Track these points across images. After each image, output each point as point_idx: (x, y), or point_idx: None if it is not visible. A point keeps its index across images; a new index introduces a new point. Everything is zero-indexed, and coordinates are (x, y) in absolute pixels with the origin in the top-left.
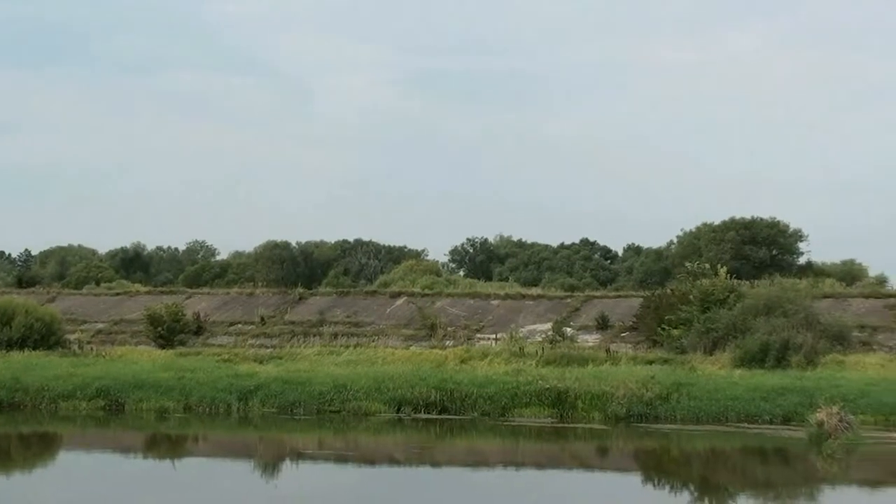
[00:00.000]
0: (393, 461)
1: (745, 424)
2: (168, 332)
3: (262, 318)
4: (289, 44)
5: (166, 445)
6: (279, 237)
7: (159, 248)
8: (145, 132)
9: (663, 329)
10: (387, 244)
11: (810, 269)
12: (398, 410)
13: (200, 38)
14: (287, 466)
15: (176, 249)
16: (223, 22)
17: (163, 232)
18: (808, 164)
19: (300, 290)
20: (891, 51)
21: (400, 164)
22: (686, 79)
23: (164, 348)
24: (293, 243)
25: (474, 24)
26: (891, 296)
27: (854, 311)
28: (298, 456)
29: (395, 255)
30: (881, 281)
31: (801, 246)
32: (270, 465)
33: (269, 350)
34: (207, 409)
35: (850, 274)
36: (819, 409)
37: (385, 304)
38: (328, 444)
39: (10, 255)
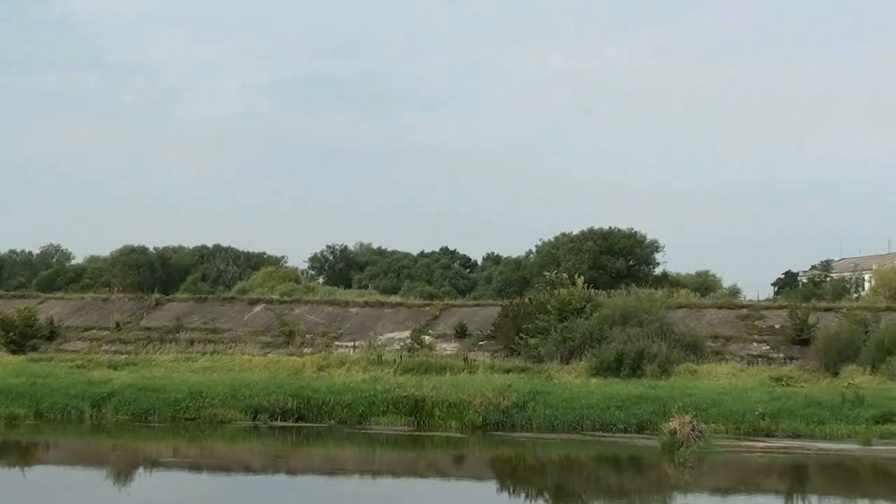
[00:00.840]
0: (249, 469)
1: (600, 433)
2: (20, 337)
3: (118, 324)
4: (157, 45)
5: (15, 453)
6: (137, 242)
7: (12, 252)
8: (3, 132)
9: (521, 338)
10: (246, 250)
11: (666, 280)
12: (255, 418)
13: (66, 37)
14: (140, 475)
15: (30, 253)
16: (90, 21)
17: (16, 235)
18: (666, 176)
19: (157, 295)
20: (757, 65)
21: (262, 168)
22: (550, 88)
23: (15, 354)
24: (151, 248)
25: (343, 29)
26: (743, 306)
27: (708, 321)
28: (152, 464)
29: (254, 262)
30: (734, 292)
31: (658, 257)
32: (123, 474)
33: (123, 356)
34: (59, 416)
35: (704, 285)
36: (672, 418)
37: (243, 311)
38: (183, 452)
39: None
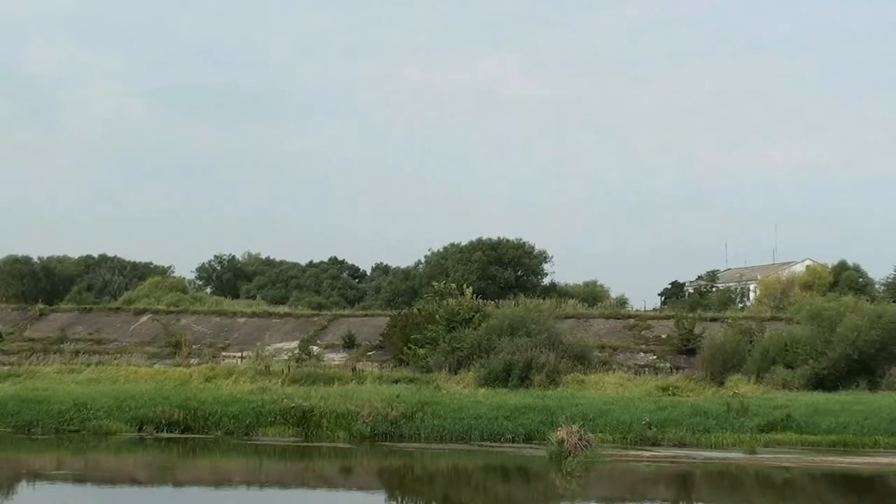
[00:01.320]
0: (135, 482)
1: (489, 443)
2: None
3: (0, 335)
4: (34, 52)
5: None
6: (20, 251)
7: None
8: None
9: (409, 348)
10: (132, 260)
11: (554, 290)
12: (140, 429)
13: None
14: (23, 489)
15: None
16: None
17: None
18: (553, 186)
19: (41, 306)
20: (637, 78)
21: (146, 178)
22: (435, 101)
23: None
24: (35, 258)
25: (226, 38)
26: (630, 317)
27: (595, 331)
28: (35, 477)
29: (141, 272)
30: (622, 302)
31: (546, 267)
32: (5, 488)
33: (6, 367)
34: None
35: (592, 295)
36: (560, 428)
37: (129, 321)
38: (67, 464)
39: None
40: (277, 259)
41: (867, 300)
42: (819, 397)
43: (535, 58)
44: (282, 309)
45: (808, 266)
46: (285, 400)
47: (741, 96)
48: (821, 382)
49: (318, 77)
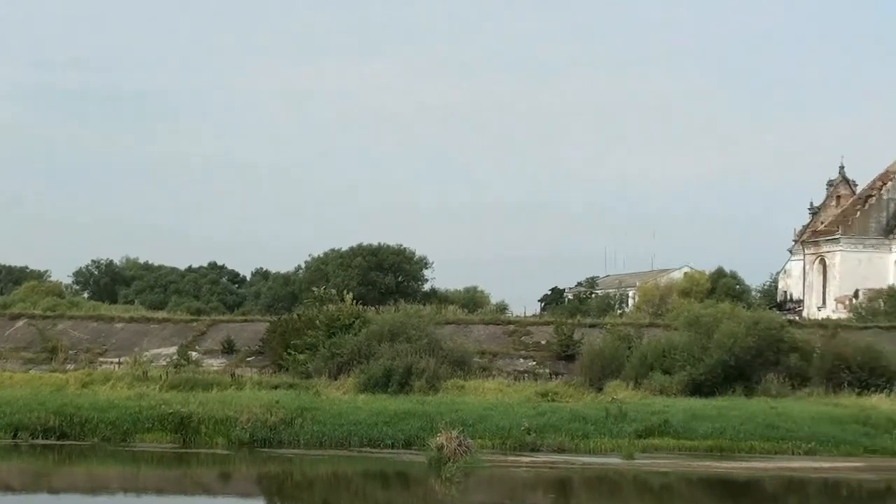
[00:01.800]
0: (9, 489)
1: (368, 449)
2: None
3: None
4: None
5: None
6: None
7: None
8: None
9: (289, 354)
10: (7, 264)
11: (434, 296)
12: (15, 436)
13: None
14: None
15: None
16: None
17: None
18: (435, 192)
19: None
20: (511, 86)
21: (21, 182)
22: (319, 106)
23: None
24: None
25: (105, 40)
26: (510, 322)
27: (475, 337)
28: None
29: (16, 276)
30: (502, 308)
31: (427, 273)
32: None
33: None
34: None
35: (472, 301)
36: (439, 434)
37: (4, 327)
38: None
39: None
40: (156, 264)
41: (744, 307)
42: (696, 403)
43: (421, 64)
44: (160, 314)
45: (686, 273)
46: (163, 406)
47: (623, 105)
48: (698, 388)
49: (200, 80)
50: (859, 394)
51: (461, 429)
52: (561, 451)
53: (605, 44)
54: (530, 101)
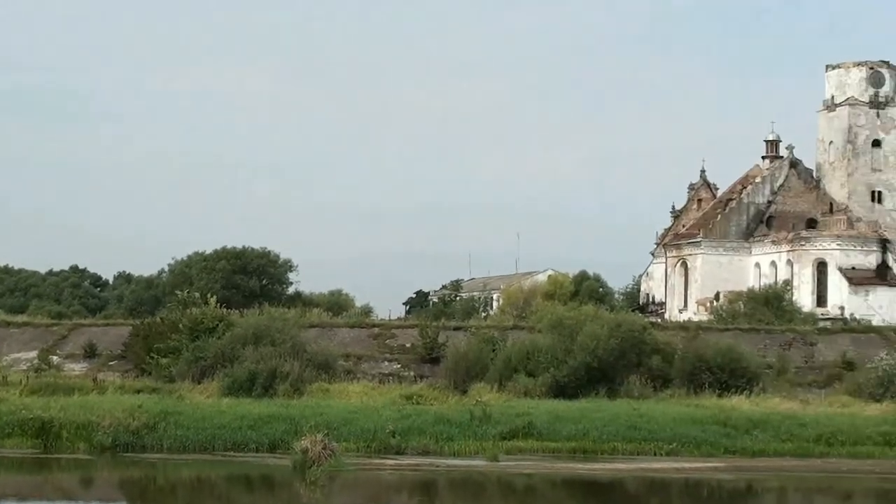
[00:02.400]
0: None
1: (232, 453)
2: None
3: None
4: None
5: None
6: None
7: None
8: None
9: (152, 358)
10: None
11: (299, 299)
12: None
13: None
14: None
15: None
16: None
17: None
18: (300, 194)
19: None
20: (371, 88)
21: None
22: (184, 107)
23: None
24: None
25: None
26: (375, 325)
27: (340, 340)
28: None
29: None
30: (366, 311)
31: (291, 276)
32: None
33: None
34: None
35: (337, 304)
36: (304, 437)
37: None
38: None
39: None
40: (16, 267)
41: (607, 309)
42: (560, 405)
43: (281, 67)
44: (20, 318)
45: (549, 275)
46: (23, 411)
47: (482, 108)
48: (562, 390)
49: (76, 77)
50: (720, 395)
51: (326, 432)
52: (426, 453)
53: (461, 48)
54: (395, 105)
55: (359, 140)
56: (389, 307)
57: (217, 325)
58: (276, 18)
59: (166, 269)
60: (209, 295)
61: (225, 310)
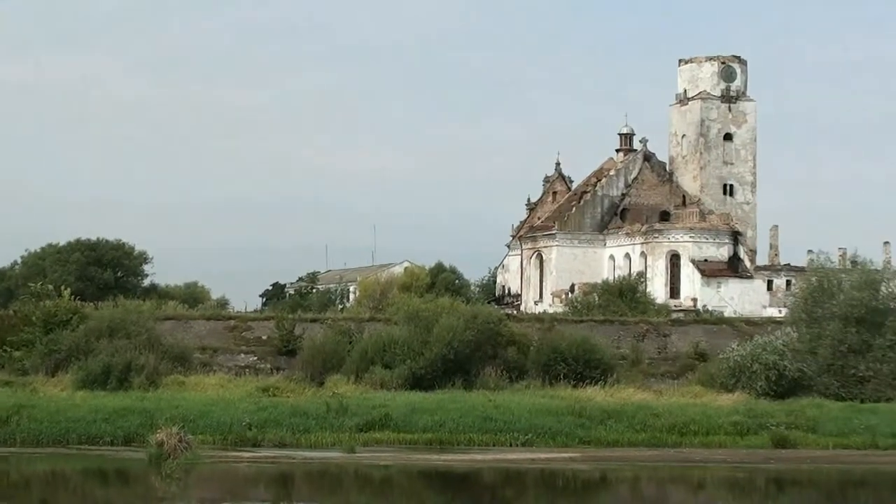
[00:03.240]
0: None
1: (87, 446)
2: None
3: None
4: None
5: None
6: None
7: None
8: None
9: (5, 351)
10: None
11: (155, 292)
12: None
13: None
14: None
15: None
16: None
17: None
18: (155, 187)
19: None
20: (233, 81)
21: None
22: (26, 100)
23: None
24: None
25: None
26: (231, 318)
27: (196, 332)
28: None
29: None
30: (222, 303)
31: (147, 268)
32: None
33: None
34: None
35: (193, 296)
36: (159, 430)
37: None
38: None
39: None
40: None
41: (463, 301)
42: (416, 396)
43: (139, 59)
44: None
45: (406, 268)
46: None
47: (342, 100)
48: (418, 382)
49: None
50: (575, 386)
51: (182, 425)
52: (282, 445)
53: (314, 40)
54: (249, 98)
55: (208, 133)
56: (246, 299)
57: (71, 317)
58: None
59: (19, 260)
60: (63, 287)
61: (79, 302)
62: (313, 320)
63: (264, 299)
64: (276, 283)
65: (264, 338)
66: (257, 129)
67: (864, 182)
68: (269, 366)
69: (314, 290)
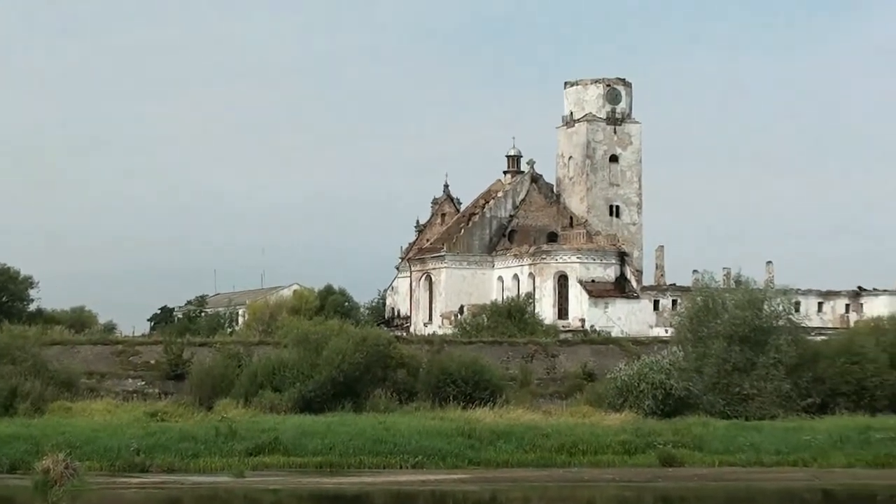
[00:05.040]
0: None
1: None
2: None
3: None
4: None
5: None
6: None
7: None
8: None
9: None
10: None
11: (40, 316)
12: None
13: None
14: None
15: None
16: None
17: None
18: (40, 209)
19: None
20: (122, 102)
21: None
22: None
23: None
24: None
25: None
26: (119, 342)
27: (83, 357)
28: None
29: None
30: (110, 328)
31: (32, 293)
32: None
33: None
34: None
35: (79, 321)
36: (45, 457)
37: None
38: None
39: None
40: None
41: (352, 324)
42: (306, 420)
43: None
44: None
45: (295, 290)
46: None
47: (232, 122)
48: (308, 405)
49: None
50: (464, 407)
51: (68, 451)
52: (171, 471)
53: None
54: (138, 117)
55: (92, 155)
56: (134, 324)
57: None
58: None
59: None
60: None
61: None
62: (202, 344)
63: (152, 323)
64: (165, 306)
65: (152, 362)
66: (147, 148)
67: (747, 202)
68: (157, 390)
69: (203, 314)
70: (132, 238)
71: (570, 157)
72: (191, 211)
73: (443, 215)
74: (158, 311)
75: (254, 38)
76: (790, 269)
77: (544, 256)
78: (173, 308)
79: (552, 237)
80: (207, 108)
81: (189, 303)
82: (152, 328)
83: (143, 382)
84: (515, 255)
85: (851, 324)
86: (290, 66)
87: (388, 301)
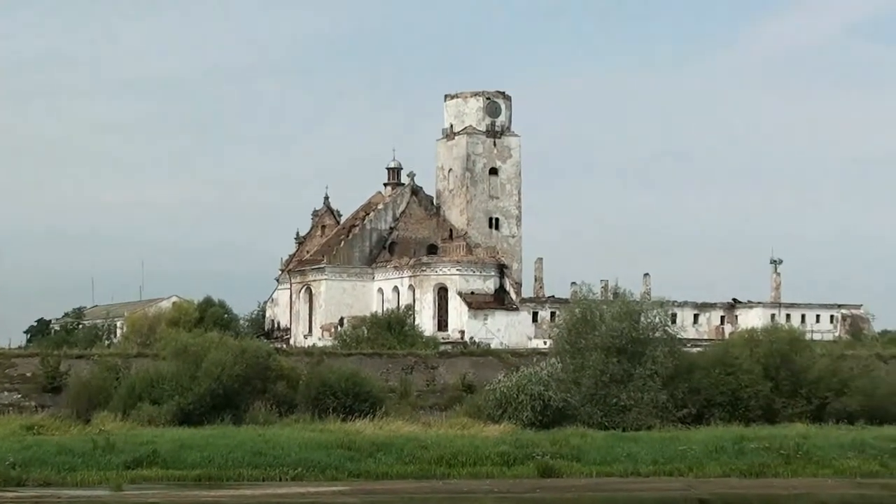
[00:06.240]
0: None
1: None
2: None
3: None
4: None
5: None
6: None
7: None
8: None
9: None
10: None
11: None
12: None
13: None
14: None
15: None
16: None
17: None
18: None
19: None
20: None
21: None
22: None
23: None
24: None
25: None
26: None
27: None
28: None
29: None
30: None
31: None
32: None
33: None
34: None
35: None
36: None
37: None
38: None
39: None
40: None
41: (232, 336)
42: (185, 432)
43: None
44: None
45: (174, 302)
46: None
47: (113, 132)
48: (187, 417)
49: None
50: (344, 419)
51: None
52: (47, 485)
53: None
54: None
55: None
56: (10, 336)
57: None
58: None
59: None
60: None
61: None
62: (79, 356)
63: (28, 336)
64: (41, 318)
65: (28, 375)
66: (23, 158)
67: (625, 214)
68: (33, 403)
69: (80, 326)
70: (7, 248)
71: (450, 170)
72: (68, 220)
73: (323, 227)
74: (35, 324)
75: (144, 50)
76: (667, 281)
77: (424, 269)
78: (50, 320)
79: (432, 249)
80: (91, 118)
81: (66, 315)
82: (28, 341)
83: (20, 395)
84: (395, 268)
85: (726, 335)
86: (173, 76)
87: (269, 313)
